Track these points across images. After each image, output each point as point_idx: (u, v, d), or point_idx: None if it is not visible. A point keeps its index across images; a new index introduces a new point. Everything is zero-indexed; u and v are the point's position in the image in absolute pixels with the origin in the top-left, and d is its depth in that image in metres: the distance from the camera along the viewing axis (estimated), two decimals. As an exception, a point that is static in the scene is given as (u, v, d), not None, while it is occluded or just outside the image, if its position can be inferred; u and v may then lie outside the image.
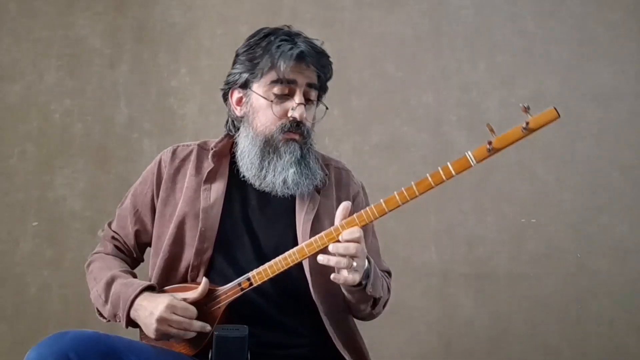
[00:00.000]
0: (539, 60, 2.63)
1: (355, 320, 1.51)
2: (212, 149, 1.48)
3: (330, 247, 1.26)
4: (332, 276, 1.28)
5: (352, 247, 1.25)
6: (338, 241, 1.27)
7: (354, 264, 1.25)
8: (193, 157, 1.49)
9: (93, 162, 2.56)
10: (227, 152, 1.50)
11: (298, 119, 1.39)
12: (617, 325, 2.46)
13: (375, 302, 1.41)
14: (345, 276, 1.26)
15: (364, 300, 1.39)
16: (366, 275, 1.32)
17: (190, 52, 2.65)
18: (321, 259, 1.26)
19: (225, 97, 1.50)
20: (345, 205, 1.31)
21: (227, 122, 1.52)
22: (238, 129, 1.48)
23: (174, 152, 1.51)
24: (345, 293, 1.38)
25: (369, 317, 1.48)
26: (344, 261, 1.24)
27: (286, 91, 1.39)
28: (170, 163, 1.49)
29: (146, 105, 2.61)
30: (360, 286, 1.32)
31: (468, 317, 2.48)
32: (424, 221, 2.51)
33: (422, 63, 2.65)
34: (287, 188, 1.39)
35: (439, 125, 2.60)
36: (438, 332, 2.47)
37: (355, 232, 1.27)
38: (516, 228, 2.52)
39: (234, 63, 1.47)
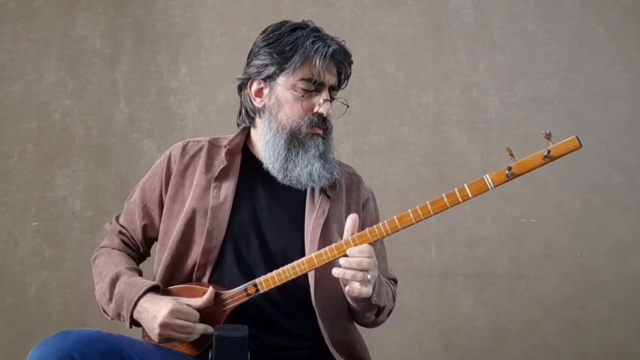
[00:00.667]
0: (539, 60, 2.64)
1: (357, 326, 1.50)
2: (225, 146, 1.46)
3: (343, 262, 1.26)
4: (346, 289, 1.28)
5: (365, 262, 1.25)
6: (346, 255, 1.26)
7: (368, 276, 1.25)
8: (203, 153, 1.48)
9: (93, 162, 2.55)
10: (240, 150, 1.49)
11: (324, 115, 1.40)
12: (617, 325, 2.46)
13: (380, 310, 1.41)
14: (359, 289, 1.26)
15: (369, 309, 1.39)
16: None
17: (190, 52, 2.65)
18: (336, 272, 1.26)
19: (240, 88, 1.49)
20: (354, 217, 1.30)
21: (240, 113, 1.50)
22: (252, 119, 1.48)
23: (184, 148, 1.50)
24: (351, 302, 1.38)
25: (373, 325, 1.48)
26: (359, 275, 1.24)
27: (313, 88, 1.40)
28: (180, 159, 1.48)
29: (146, 105, 2.61)
30: None
31: (468, 317, 2.47)
32: (425, 221, 2.49)
33: (422, 63, 2.65)
34: (313, 181, 1.40)
35: (439, 125, 2.60)
36: (438, 332, 2.46)
37: (365, 248, 1.26)
38: (516, 228, 2.52)
39: (255, 54, 1.44)
